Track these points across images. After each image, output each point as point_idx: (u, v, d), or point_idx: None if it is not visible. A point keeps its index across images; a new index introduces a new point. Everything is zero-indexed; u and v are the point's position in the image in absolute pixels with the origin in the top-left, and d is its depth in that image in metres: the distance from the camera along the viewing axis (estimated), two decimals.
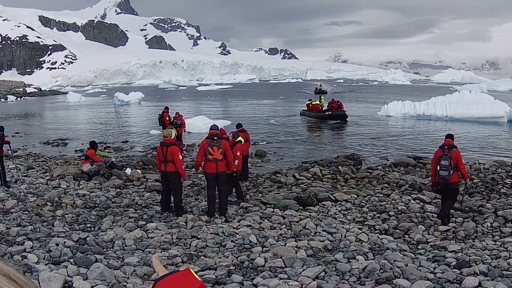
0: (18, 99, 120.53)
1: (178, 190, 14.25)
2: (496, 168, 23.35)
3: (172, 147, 13.90)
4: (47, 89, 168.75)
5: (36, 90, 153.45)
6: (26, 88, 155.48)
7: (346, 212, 14.78)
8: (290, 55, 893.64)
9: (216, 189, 14.17)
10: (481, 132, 39.69)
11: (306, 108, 51.50)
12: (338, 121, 45.86)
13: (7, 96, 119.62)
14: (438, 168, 13.80)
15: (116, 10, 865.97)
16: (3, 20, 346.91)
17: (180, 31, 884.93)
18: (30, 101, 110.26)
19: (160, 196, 15.29)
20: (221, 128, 17.15)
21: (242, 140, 17.12)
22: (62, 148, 33.20)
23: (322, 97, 54.04)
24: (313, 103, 50.43)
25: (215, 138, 14.00)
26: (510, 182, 20.36)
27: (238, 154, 15.40)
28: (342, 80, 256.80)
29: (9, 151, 24.44)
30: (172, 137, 14.27)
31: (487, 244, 11.60)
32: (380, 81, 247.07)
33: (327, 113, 47.81)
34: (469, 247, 11.40)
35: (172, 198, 14.46)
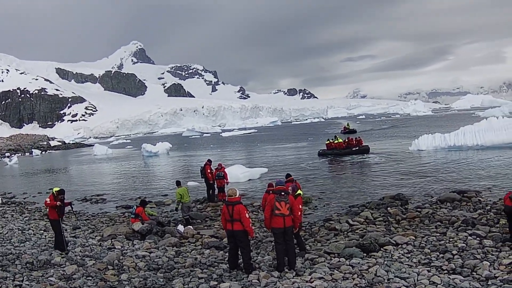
0: (43, 152, 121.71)
1: (247, 248, 14.27)
2: None
3: (238, 205, 13.98)
4: (70, 142, 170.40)
5: (60, 143, 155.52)
6: (50, 142, 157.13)
7: (409, 255, 14.91)
8: (309, 95, 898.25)
9: (284, 244, 14.18)
10: None
11: (326, 148, 54.70)
12: (364, 155, 51.39)
13: (32, 150, 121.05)
14: None
15: (132, 60, 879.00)
16: (21, 73, 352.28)
17: (197, 78, 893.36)
18: (55, 155, 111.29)
19: (222, 253, 15.47)
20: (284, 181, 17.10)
21: (301, 192, 17.22)
22: (101, 204, 33.41)
23: (337, 136, 58.19)
24: (335, 142, 54.73)
25: (283, 193, 14.17)
26: None
27: (300, 207, 15.32)
28: (363, 116, 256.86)
29: (73, 213, 24.75)
30: (237, 196, 14.34)
31: None
32: (402, 114, 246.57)
33: (354, 148, 53.12)
34: None
35: (239, 255, 14.47)
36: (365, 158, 49.36)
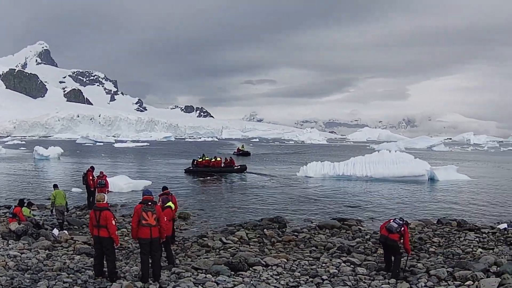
0: None
1: (112, 256, 14.09)
2: (422, 227, 24.39)
3: (105, 211, 13.86)
4: None
5: None
6: None
7: (278, 277, 14.90)
8: (205, 113, 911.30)
9: (150, 255, 14.07)
10: (403, 191, 41.12)
11: (198, 165, 58.10)
12: (240, 172, 56.81)
13: None
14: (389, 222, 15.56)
15: (36, 60, 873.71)
16: None
17: (98, 85, 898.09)
18: None
19: (92, 260, 15.13)
20: None
21: (172, 205, 17.32)
22: None
23: (204, 155, 61.55)
24: (212, 160, 58.78)
25: (149, 203, 14.02)
26: (438, 241, 21.25)
27: (165, 219, 15.16)
28: (257, 140, 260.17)
29: None
30: (105, 202, 14.23)
31: None
32: (296, 140, 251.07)
33: (235, 167, 58.78)
34: None
35: (105, 263, 14.27)
36: (251, 179, 50.73)
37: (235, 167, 58.68)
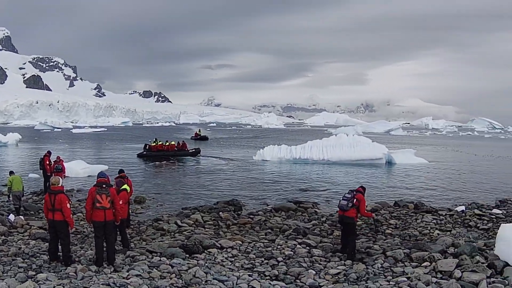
0: None
1: (66, 239, 13.99)
2: (379, 209, 24.33)
3: (60, 195, 13.68)
4: None
5: None
6: None
7: (233, 259, 14.85)
8: (164, 99, 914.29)
9: (104, 238, 13.93)
10: (360, 174, 41.40)
11: (152, 149, 58.31)
12: (195, 156, 57.96)
13: None
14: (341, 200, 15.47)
15: None
16: None
17: (57, 71, 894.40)
18: None
19: (47, 245, 14.89)
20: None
21: (128, 188, 17.13)
22: None
23: (157, 139, 62.47)
24: (166, 144, 59.53)
25: (104, 186, 13.83)
26: (394, 223, 21.32)
27: (120, 202, 15.12)
28: (215, 124, 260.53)
29: None
30: (60, 185, 14.03)
31: (380, 284, 12.04)
32: (254, 125, 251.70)
33: (191, 150, 59.52)
34: None
35: (60, 247, 14.12)
36: (207, 163, 50.82)
37: (190, 151, 59.12)
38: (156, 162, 50.84)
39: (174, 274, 12.78)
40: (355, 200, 15.08)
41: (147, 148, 57.84)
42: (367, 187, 32.14)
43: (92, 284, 11.66)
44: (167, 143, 59.46)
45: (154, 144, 58.72)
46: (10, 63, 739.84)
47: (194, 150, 59.56)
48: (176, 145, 60.09)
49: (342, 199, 15.39)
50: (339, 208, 15.44)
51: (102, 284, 11.58)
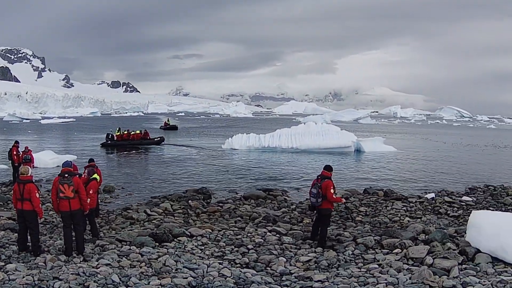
0: None
1: (35, 229, 13.84)
2: (349, 196, 24.43)
3: (29, 184, 13.55)
4: None
5: None
6: None
7: (203, 247, 14.87)
8: (132, 88, 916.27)
9: (72, 227, 13.86)
10: (330, 162, 41.16)
11: (117, 139, 58.35)
12: (159, 144, 58.51)
13: None
14: (309, 195, 15.20)
15: None
16: None
17: (26, 62, 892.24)
18: None
19: (16, 235, 14.75)
20: (73, 164, 16.77)
21: (98, 177, 17.00)
22: None
23: (120, 128, 61.89)
24: (132, 132, 59.99)
25: (66, 175, 13.68)
26: (364, 210, 21.43)
27: (91, 192, 15.21)
28: (183, 114, 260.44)
29: None
30: (29, 174, 13.86)
31: (352, 271, 12.07)
32: (222, 114, 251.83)
33: (156, 139, 59.94)
34: (334, 276, 11.76)
35: (29, 237, 14.00)
36: (176, 152, 50.53)
37: (155, 139, 59.55)
38: (124, 152, 50.51)
39: (144, 263, 12.74)
40: (320, 189, 14.75)
41: (109, 137, 57.57)
42: (336, 175, 32.40)
43: (62, 273, 11.52)
44: (134, 132, 59.19)
45: (118, 133, 58.51)
46: None
47: (159, 138, 59.74)
48: (140, 134, 60.28)
49: (311, 197, 15.09)
50: (312, 205, 15.28)
51: (71, 273, 11.46)
